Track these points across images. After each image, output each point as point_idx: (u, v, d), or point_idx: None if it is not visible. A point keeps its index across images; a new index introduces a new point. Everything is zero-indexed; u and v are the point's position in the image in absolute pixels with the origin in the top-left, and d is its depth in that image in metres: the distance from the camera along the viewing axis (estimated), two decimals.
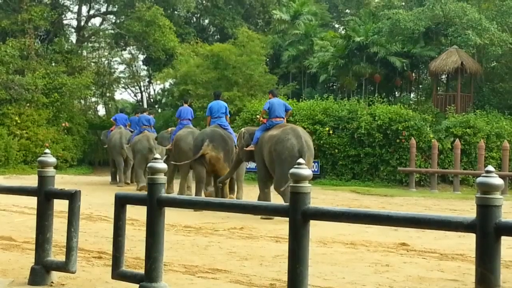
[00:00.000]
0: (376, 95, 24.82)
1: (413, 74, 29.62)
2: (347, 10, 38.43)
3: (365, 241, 8.82)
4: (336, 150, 22.07)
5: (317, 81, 30.23)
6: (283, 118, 13.03)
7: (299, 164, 4.51)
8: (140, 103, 37.50)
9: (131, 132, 20.64)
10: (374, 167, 21.81)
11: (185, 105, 17.29)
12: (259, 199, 12.68)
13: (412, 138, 20.56)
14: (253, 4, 35.81)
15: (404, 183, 20.94)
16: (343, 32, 33.46)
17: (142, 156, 18.24)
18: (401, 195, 17.90)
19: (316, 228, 4.70)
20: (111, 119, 23.44)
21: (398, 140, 21.24)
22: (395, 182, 21.32)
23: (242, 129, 14.28)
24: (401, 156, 21.28)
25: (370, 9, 32.17)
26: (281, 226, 9.32)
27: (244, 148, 13.12)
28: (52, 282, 5.82)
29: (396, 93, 31.01)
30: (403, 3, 30.71)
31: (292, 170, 4.47)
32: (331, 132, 22.15)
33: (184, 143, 15.60)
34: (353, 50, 27.54)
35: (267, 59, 30.06)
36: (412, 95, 31.71)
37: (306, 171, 4.46)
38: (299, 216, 4.34)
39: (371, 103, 23.63)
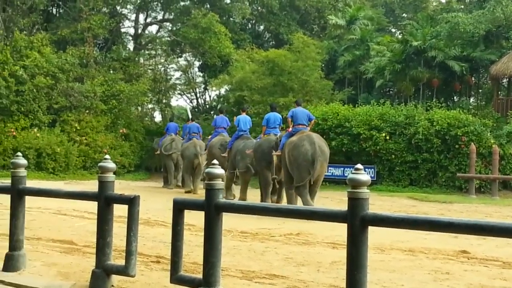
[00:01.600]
0: (434, 100, 24.42)
1: (473, 78, 29.09)
2: (404, 14, 38.02)
3: (424, 248, 8.67)
4: (393, 156, 21.78)
5: (373, 86, 29.98)
6: (305, 125, 14.07)
7: (357, 169, 4.45)
8: (196, 110, 37.80)
9: (182, 139, 21.83)
10: (432, 173, 21.43)
11: (221, 115, 19.31)
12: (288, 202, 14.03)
13: (472, 143, 20.16)
14: (308, 9, 35.76)
15: (464, 190, 20.51)
16: (400, 36, 33.12)
17: (189, 161, 19.74)
18: (460, 202, 17.55)
19: (374, 235, 4.63)
20: (164, 130, 24.41)
21: (457, 146, 20.84)
22: (454, 188, 20.90)
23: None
24: (460, 162, 20.87)
25: (427, 13, 31.78)
26: (337, 232, 9.22)
27: (274, 153, 14.42)
28: (112, 286, 5.90)
29: (455, 97, 30.47)
30: (462, 6, 30.27)
31: (350, 176, 4.41)
32: (387, 137, 21.89)
33: (216, 149, 17.46)
34: (410, 54, 27.21)
35: (323, 65, 29.95)
36: (471, 99, 31.14)
37: (364, 177, 4.39)
38: (358, 222, 4.29)
39: (429, 108, 23.27)
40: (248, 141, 16.30)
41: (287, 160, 13.64)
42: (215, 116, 20.63)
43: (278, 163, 14.40)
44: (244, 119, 16.96)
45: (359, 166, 4.49)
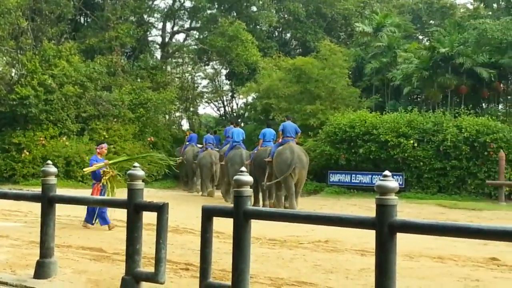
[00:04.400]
0: (462, 107, 24.19)
1: (501, 85, 28.73)
2: (431, 21, 37.76)
3: (453, 255, 8.61)
4: (421, 163, 21.61)
5: (401, 94, 29.78)
6: (293, 137, 16.80)
7: (385, 176, 4.47)
8: (223, 118, 37.94)
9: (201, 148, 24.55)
10: (461, 180, 21.21)
11: (231, 126, 21.71)
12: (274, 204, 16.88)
13: (501, 150, 19.94)
14: (335, 17, 35.75)
15: (493, 197, 20.28)
16: (427, 43, 32.82)
17: (207, 169, 22.55)
18: (490, 209, 17.35)
19: (402, 241, 4.62)
20: (186, 141, 26.14)
21: (486, 153, 20.64)
22: (483, 195, 20.68)
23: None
24: (489, 169, 20.65)
25: (455, 20, 31.52)
26: (366, 239, 9.21)
27: (265, 159, 17.00)
28: None
29: (483, 104, 30.11)
30: (490, 13, 29.99)
31: (378, 183, 4.45)
32: (416, 144, 21.75)
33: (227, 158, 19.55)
34: (437, 61, 26.98)
35: (350, 72, 29.81)
36: (500, 106, 30.74)
37: (392, 183, 4.41)
38: (386, 229, 4.30)
39: (457, 115, 23.08)
40: (238, 150, 18.83)
41: (274, 166, 16.41)
42: (225, 128, 23.55)
43: (270, 171, 16.86)
44: (237, 131, 19.72)
45: (387, 172, 4.51)
